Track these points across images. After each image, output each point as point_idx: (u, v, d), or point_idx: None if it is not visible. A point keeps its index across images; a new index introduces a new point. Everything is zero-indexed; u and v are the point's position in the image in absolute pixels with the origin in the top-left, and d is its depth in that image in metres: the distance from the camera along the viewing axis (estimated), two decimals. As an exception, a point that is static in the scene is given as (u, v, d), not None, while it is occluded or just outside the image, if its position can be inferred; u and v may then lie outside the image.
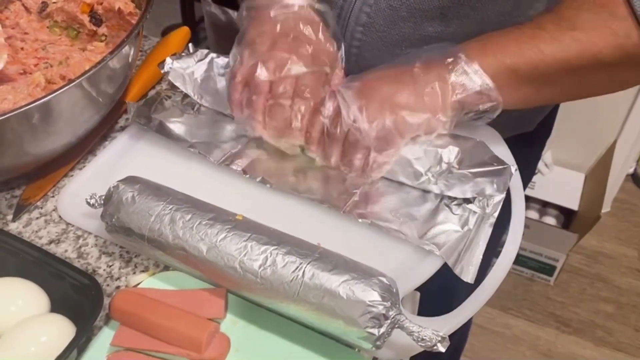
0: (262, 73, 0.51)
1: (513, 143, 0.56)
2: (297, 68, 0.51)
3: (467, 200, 0.49)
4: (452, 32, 0.52)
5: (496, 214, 0.49)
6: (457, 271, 0.45)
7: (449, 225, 0.48)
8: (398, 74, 0.50)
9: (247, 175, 0.53)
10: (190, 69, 0.58)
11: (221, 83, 0.57)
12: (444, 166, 0.49)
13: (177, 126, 0.57)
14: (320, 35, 0.54)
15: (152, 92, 0.66)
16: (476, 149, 0.50)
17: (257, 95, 0.51)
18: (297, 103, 0.51)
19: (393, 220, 0.49)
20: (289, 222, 0.47)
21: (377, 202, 0.51)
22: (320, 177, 0.53)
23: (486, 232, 0.48)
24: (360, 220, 0.49)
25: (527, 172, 0.81)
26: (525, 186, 0.84)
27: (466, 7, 0.53)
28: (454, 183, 0.49)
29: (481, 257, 0.46)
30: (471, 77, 0.48)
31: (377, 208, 0.50)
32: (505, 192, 0.49)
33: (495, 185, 0.48)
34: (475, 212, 0.48)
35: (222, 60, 0.58)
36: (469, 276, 0.45)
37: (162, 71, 0.57)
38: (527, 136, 0.70)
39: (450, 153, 0.49)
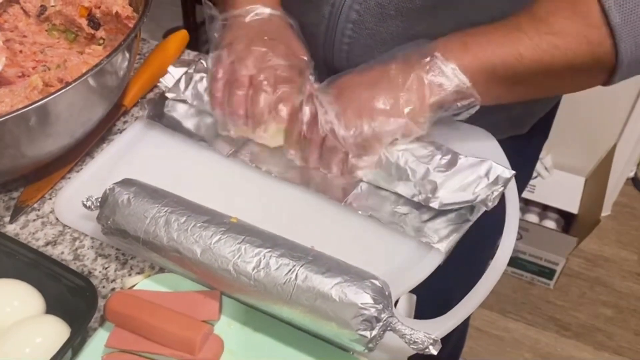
0: (241, 68, 0.53)
1: (507, 145, 0.56)
2: (275, 61, 0.53)
3: None
4: (442, 33, 0.53)
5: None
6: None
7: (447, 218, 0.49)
8: (375, 77, 0.50)
9: (254, 165, 0.55)
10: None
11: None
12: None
13: (188, 122, 0.59)
14: (294, 38, 0.57)
15: (150, 95, 0.66)
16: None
17: (238, 89, 0.53)
18: (279, 88, 0.52)
19: (391, 214, 0.50)
20: (283, 224, 0.47)
21: (376, 195, 0.52)
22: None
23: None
24: (360, 212, 0.50)
25: (523, 175, 0.81)
26: (522, 190, 0.84)
27: (452, 6, 0.54)
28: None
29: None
30: (448, 76, 0.49)
31: (376, 201, 0.51)
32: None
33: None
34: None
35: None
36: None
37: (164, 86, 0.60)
38: (522, 139, 0.70)
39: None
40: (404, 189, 0.51)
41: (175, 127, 0.58)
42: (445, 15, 0.55)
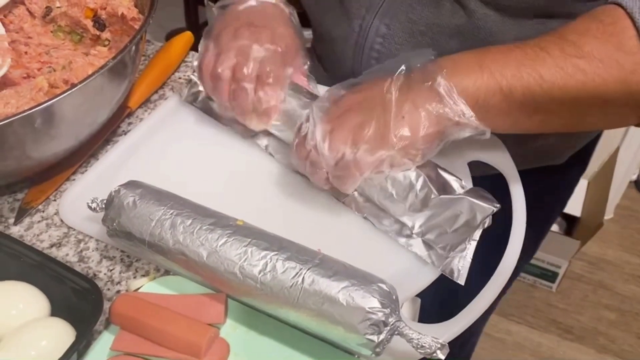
0: (224, 61, 0.54)
1: (541, 175, 0.55)
2: (257, 52, 0.53)
3: None
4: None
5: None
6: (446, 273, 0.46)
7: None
8: (370, 101, 0.47)
9: (269, 152, 0.57)
10: None
11: None
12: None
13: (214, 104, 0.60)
14: (283, 24, 0.57)
15: (154, 97, 0.66)
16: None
17: (221, 82, 0.54)
18: (261, 89, 0.53)
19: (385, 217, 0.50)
20: (289, 227, 0.47)
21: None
22: None
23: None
24: (356, 213, 0.51)
25: (555, 204, 0.78)
26: (553, 219, 0.81)
27: (483, 31, 0.52)
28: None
29: (470, 259, 0.46)
30: (448, 106, 0.45)
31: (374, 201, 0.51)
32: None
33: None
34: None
35: None
36: (460, 278, 0.46)
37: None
38: (559, 170, 0.68)
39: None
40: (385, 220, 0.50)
41: (207, 110, 0.60)
42: (472, 37, 0.53)
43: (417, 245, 0.48)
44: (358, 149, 0.46)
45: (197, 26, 1.99)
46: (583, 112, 0.46)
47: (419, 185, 0.48)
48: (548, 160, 0.67)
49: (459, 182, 0.49)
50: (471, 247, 0.47)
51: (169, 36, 2.11)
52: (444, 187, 0.49)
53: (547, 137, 0.59)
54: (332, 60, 0.65)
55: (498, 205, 0.47)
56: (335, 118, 0.47)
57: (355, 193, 0.52)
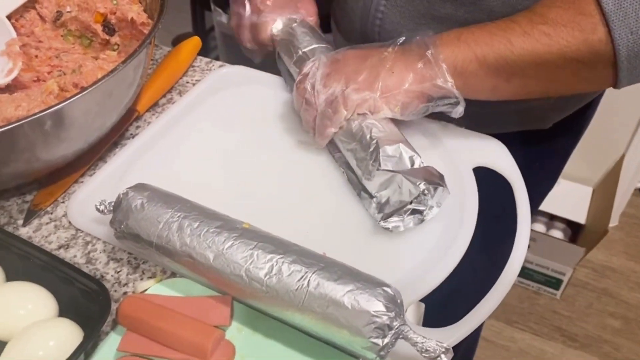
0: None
1: (526, 137, 0.56)
2: None
3: None
4: (462, 17, 0.56)
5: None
6: None
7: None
8: (368, 55, 0.54)
9: None
10: None
11: None
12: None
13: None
14: None
15: (162, 100, 0.67)
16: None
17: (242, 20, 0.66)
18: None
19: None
20: (294, 231, 0.48)
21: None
22: None
23: None
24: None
25: (545, 182, 0.81)
26: (543, 195, 0.84)
27: None
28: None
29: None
30: (434, 69, 0.51)
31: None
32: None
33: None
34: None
35: None
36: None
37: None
38: (545, 134, 0.70)
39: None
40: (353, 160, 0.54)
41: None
42: (465, 1, 0.56)
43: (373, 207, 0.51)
44: (347, 87, 0.53)
45: (203, 31, 2.00)
46: (556, 73, 0.50)
47: (373, 154, 0.51)
48: (533, 123, 0.70)
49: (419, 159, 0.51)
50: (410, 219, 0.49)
51: (176, 40, 2.12)
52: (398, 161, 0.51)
53: (530, 99, 0.62)
54: (345, 23, 0.71)
55: (420, 187, 0.48)
56: (334, 63, 0.55)
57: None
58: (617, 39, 0.45)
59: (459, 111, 0.53)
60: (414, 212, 0.49)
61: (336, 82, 0.53)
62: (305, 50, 0.62)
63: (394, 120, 0.54)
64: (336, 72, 0.54)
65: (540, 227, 1.57)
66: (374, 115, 0.53)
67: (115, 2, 0.59)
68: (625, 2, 0.45)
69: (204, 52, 0.69)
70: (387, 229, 0.49)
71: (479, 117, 0.60)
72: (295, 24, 0.65)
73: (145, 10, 0.59)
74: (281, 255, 0.42)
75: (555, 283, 1.53)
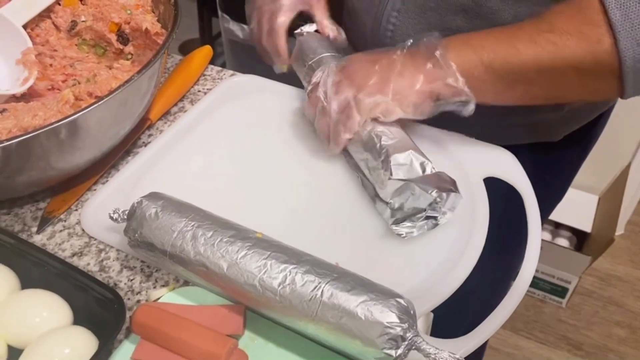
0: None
1: (536, 151, 0.57)
2: None
3: None
4: (474, 29, 0.56)
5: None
6: None
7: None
8: (378, 59, 0.55)
9: None
10: None
11: None
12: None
13: None
14: None
15: (174, 109, 0.67)
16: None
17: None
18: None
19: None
20: (307, 239, 0.48)
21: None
22: None
23: None
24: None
25: (554, 194, 0.81)
26: (552, 207, 0.84)
27: (484, 8, 0.56)
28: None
29: None
30: (443, 69, 0.51)
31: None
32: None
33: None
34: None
35: None
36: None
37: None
38: (555, 148, 0.70)
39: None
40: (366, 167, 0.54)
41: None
42: (476, 15, 0.57)
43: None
44: (359, 92, 0.53)
45: (210, 37, 2.01)
46: (559, 82, 0.50)
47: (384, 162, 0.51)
48: (543, 135, 0.70)
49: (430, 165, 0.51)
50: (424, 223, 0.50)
51: (183, 47, 2.12)
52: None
53: (540, 111, 0.63)
54: (356, 33, 0.71)
55: (433, 196, 0.48)
56: (346, 70, 0.55)
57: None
58: (623, 50, 0.45)
59: (469, 109, 0.53)
60: (428, 217, 0.50)
61: (347, 88, 0.54)
62: (311, 62, 0.63)
63: (404, 127, 0.55)
64: (347, 78, 0.55)
65: (546, 236, 1.56)
66: (386, 117, 0.54)
67: (129, 12, 0.60)
68: (632, 14, 0.45)
69: (211, 59, 0.69)
70: (401, 234, 0.50)
71: (490, 129, 0.60)
72: (302, 37, 0.66)
73: (158, 20, 0.60)
74: (294, 265, 0.42)
75: (560, 291, 1.52)
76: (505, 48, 0.50)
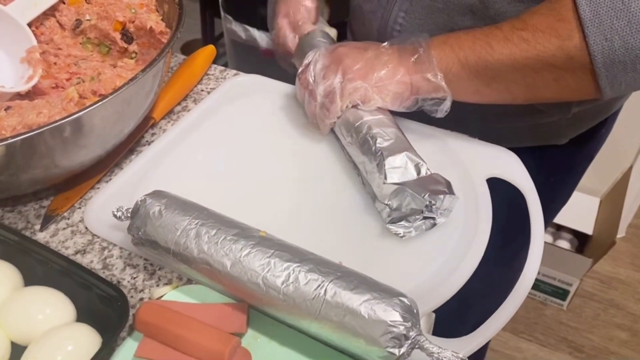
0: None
1: (542, 154, 0.57)
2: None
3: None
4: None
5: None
6: None
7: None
8: (370, 48, 0.56)
9: None
10: None
11: None
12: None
13: None
14: None
15: (177, 108, 0.68)
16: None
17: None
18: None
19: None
20: (310, 239, 0.48)
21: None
22: None
23: None
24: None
25: (559, 198, 0.81)
26: (557, 210, 0.84)
27: (491, 10, 0.57)
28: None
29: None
30: (425, 64, 0.53)
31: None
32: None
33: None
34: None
35: None
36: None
37: None
38: (562, 150, 0.71)
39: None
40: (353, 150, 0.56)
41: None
42: (483, 16, 0.58)
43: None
44: (343, 78, 0.55)
45: (213, 37, 2.01)
46: (535, 78, 0.51)
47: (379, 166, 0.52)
48: (549, 139, 0.70)
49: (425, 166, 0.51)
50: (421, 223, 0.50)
51: (185, 47, 2.12)
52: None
53: (545, 114, 0.64)
54: (362, 34, 0.72)
55: (426, 200, 0.48)
56: (335, 56, 0.57)
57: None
58: (592, 45, 0.46)
59: (444, 109, 0.55)
60: (425, 218, 0.50)
61: (334, 73, 0.56)
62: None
63: (398, 123, 0.55)
64: (335, 63, 0.57)
65: (547, 238, 1.56)
66: (365, 105, 0.55)
67: (134, 10, 0.60)
68: (601, 9, 0.45)
69: (219, 61, 0.70)
70: (398, 234, 0.50)
71: (495, 132, 0.60)
72: (303, 36, 0.67)
73: (163, 19, 0.60)
74: (298, 264, 0.42)
75: (562, 294, 1.52)
76: (481, 46, 0.51)
